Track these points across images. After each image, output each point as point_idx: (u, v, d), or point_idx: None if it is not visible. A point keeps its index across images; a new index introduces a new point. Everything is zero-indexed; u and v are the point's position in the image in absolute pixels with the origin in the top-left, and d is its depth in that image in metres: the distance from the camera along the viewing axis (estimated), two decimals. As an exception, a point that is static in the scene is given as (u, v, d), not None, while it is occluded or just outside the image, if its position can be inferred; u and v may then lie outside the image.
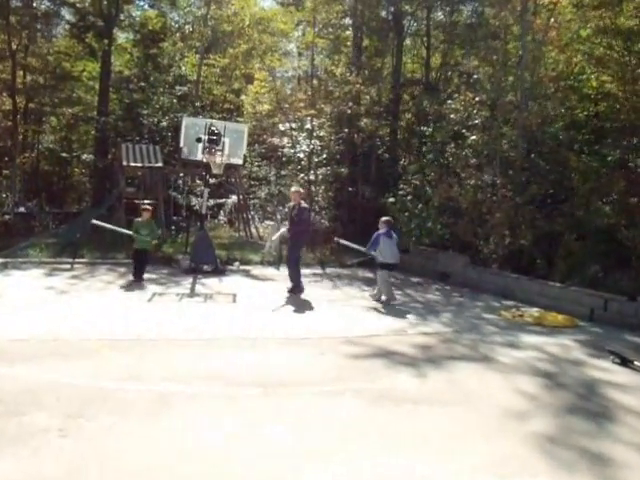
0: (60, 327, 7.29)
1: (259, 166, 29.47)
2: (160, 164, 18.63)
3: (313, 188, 20.22)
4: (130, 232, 11.43)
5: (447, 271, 14.12)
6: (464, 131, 14.36)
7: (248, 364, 6.15)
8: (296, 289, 10.88)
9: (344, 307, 9.97)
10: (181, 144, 12.47)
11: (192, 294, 10.33)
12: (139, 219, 11.62)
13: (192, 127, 12.49)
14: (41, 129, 29.21)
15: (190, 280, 11.77)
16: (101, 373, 5.49)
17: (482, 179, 14.13)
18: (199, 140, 12.22)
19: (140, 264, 11.34)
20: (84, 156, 27.10)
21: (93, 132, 26.05)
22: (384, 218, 10.87)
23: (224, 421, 4.55)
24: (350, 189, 19.58)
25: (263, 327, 7.96)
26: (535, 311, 10.53)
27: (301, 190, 12.75)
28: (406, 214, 15.10)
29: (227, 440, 4.21)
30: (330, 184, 20.77)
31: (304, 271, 13.34)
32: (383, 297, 10.46)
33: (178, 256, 13.85)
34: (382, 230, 10.50)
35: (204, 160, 12.46)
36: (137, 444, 4.03)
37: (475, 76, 15.26)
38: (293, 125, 20.82)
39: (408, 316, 9.56)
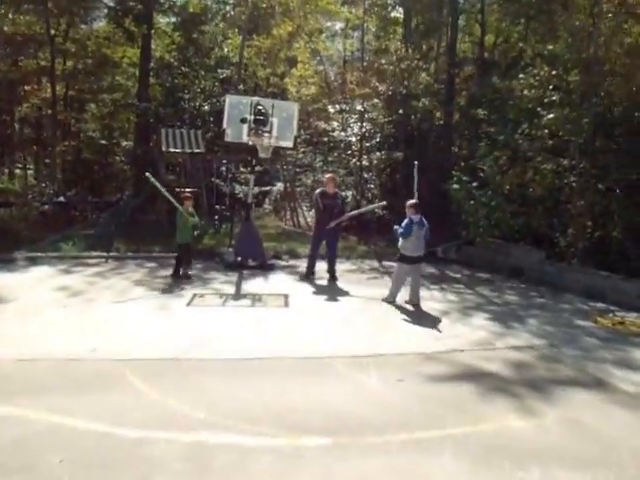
0: (77, 341, 6.12)
1: (304, 152, 28.24)
2: (201, 150, 17.49)
3: (365, 174, 18.78)
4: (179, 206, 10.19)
5: (520, 266, 12.56)
6: (539, 109, 12.68)
7: (309, 397, 4.85)
8: (308, 273, 10.88)
9: (412, 311, 8.57)
10: (224, 125, 11.17)
11: (237, 295, 9.04)
12: (182, 208, 10.28)
13: (236, 106, 11.17)
14: (82, 117, 28.46)
15: (235, 278, 10.55)
16: (121, 413, 4.25)
17: (561, 163, 12.46)
18: (244, 121, 10.91)
19: (187, 258, 10.28)
20: (124, 143, 26.12)
21: (134, 119, 25.17)
22: (412, 201, 9.24)
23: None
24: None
25: (323, 341, 6.64)
26: (636, 317, 9.03)
27: (336, 177, 11.61)
28: (472, 202, 13.55)
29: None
30: (382, 170, 19.27)
31: (358, 266, 12.09)
32: (388, 294, 9.16)
33: (221, 249, 12.65)
34: (414, 217, 8.97)
35: (250, 143, 11.16)
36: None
37: (549, 48, 13.48)
38: (343, 106, 19.35)
39: (488, 323, 8.13)
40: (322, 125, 23.42)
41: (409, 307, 8.86)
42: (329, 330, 7.18)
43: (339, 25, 30.06)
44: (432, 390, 5.20)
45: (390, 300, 9.02)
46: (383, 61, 17.88)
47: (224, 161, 22.56)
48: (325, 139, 25.34)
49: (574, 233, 12.22)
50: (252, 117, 11.02)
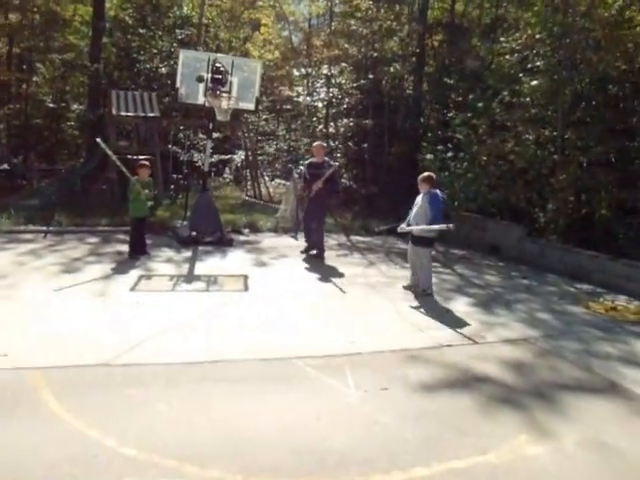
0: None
1: (267, 120, 27.01)
2: (156, 114, 16.11)
3: (332, 143, 17.68)
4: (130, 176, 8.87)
5: (498, 243, 11.76)
6: (521, 75, 11.75)
7: (274, 419, 3.83)
8: (321, 253, 9.85)
9: (389, 295, 7.61)
10: (177, 84, 9.94)
11: (190, 277, 7.88)
12: (135, 178, 8.93)
13: (192, 63, 9.96)
14: (29, 78, 26.46)
15: (189, 254, 9.44)
16: (18, 453, 3.16)
17: (543, 134, 11.60)
18: (200, 79, 9.72)
19: (141, 235, 9.13)
20: (74, 107, 24.36)
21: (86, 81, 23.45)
22: (426, 174, 8.05)
23: None
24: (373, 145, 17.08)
25: (289, 336, 5.61)
26: (626, 300, 8.33)
27: (325, 145, 10.49)
28: (446, 174, 12.65)
29: None
30: (350, 138, 18.20)
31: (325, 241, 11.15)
32: (421, 285, 7.88)
33: (175, 223, 11.48)
34: (437, 192, 7.80)
35: (206, 104, 9.97)
36: None
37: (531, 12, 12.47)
38: (309, 70, 18.13)
39: (473, 309, 7.26)
40: (286, 91, 22.19)
41: (388, 291, 7.90)
42: (296, 321, 6.14)
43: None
44: (425, 403, 4.26)
45: (429, 292, 7.81)
46: (352, 22, 16.63)
47: (182, 127, 21.21)
48: (289, 106, 24.16)
49: (555, 209, 11.42)
50: (209, 76, 9.85)
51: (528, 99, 11.75)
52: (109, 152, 8.86)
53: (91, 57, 22.12)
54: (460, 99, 18.08)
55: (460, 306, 7.37)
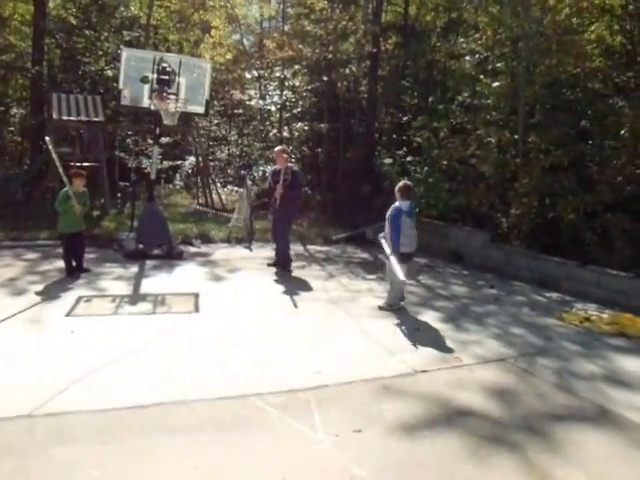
0: None
1: (218, 124, 26.21)
2: (101, 118, 15.20)
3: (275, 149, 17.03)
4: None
5: (460, 250, 11.37)
6: (482, 77, 11.40)
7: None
8: (287, 265, 9.32)
9: (352, 312, 7.06)
10: (120, 86, 9.19)
11: (135, 297, 7.13)
12: (67, 189, 7.98)
13: (136, 63, 9.23)
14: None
15: (135, 269, 8.70)
16: None
17: (505, 136, 11.26)
18: (145, 80, 9.00)
19: (77, 252, 8.25)
20: (14, 111, 23.11)
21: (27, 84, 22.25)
22: (403, 183, 7.52)
23: None
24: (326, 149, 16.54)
25: (245, 367, 4.96)
26: (597, 309, 8.01)
27: (287, 150, 9.90)
28: (406, 179, 12.18)
29: None
30: (305, 143, 17.63)
31: None
32: (385, 300, 7.42)
33: (121, 235, 10.68)
34: (403, 204, 7.29)
35: (152, 107, 9.24)
36: None
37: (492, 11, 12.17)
38: (261, 72, 17.50)
39: (443, 325, 6.77)
40: (238, 95, 21.49)
41: (350, 307, 7.34)
42: (253, 347, 5.49)
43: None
44: (406, 449, 3.69)
45: (395, 308, 7.27)
46: (306, 22, 16.06)
47: (129, 132, 20.30)
48: (241, 110, 23.44)
49: (519, 213, 11.09)
50: (155, 76, 9.15)
51: (489, 101, 11.39)
52: (54, 156, 8.06)
53: (33, 59, 20.98)
54: (415, 102, 17.86)
55: (429, 322, 6.87)
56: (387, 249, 7.22)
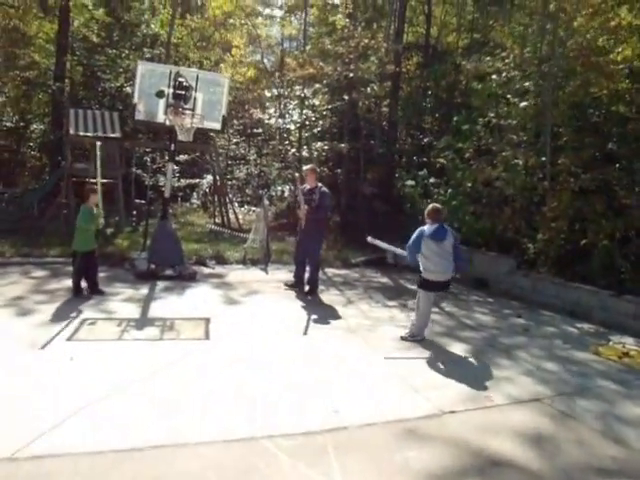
0: None
1: (237, 144, 26.03)
2: (117, 134, 15.00)
3: (304, 167, 16.72)
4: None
5: (485, 277, 10.88)
6: (509, 96, 10.99)
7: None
8: (314, 288, 9.08)
9: (372, 343, 6.61)
10: (135, 100, 8.92)
11: (142, 321, 6.72)
12: (86, 205, 7.75)
13: (151, 78, 8.96)
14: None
15: (146, 291, 8.32)
16: None
17: (531, 158, 10.80)
18: (161, 95, 8.71)
19: (90, 270, 7.92)
20: (33, 126, 23.13)
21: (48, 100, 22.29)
22: (432, 206, 7.08)
23: None
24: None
25: (256, 405, 4.48)
26: (636, 342, 7.54)
27: (317, 169, 9.59)
28: (428, 201, 11.77)
29: None
30: (324, 163, 17.26)
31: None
32: (408, 330, 6.98)
33: (133, 254, 10.35)
34: (427, 227, 6.85)
35: (167, 122, 8.95)
36: None
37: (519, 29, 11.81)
38: (281, 91, 17.23)
39: (472, 360, 6.29)
40: (257, 114, 21.25)
41: (370, 336, 6.88)
42: (265, 382, 5.03)
43: (278, 12, 27.78)
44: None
45: (418, 339, 6.83)
46: (327, 41, 15.79)
47: (147, 149, 20.13)
48: (260, 130, 23.21)
49: (546, 239, 10.58)
50: (171, 91, 8.86)
51: (515, 121, 10.95)
52: (98, 163, 7.96)
53: (55, 75, 21.06)
54: (436, 123, 17.48)
55: (455, 355, 6.40)
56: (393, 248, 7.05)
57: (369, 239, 7.98)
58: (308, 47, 19.23)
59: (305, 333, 6.81)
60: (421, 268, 6.85)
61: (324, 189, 8.92)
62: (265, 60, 27.69)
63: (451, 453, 3.93)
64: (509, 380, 5.65)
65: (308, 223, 8.78)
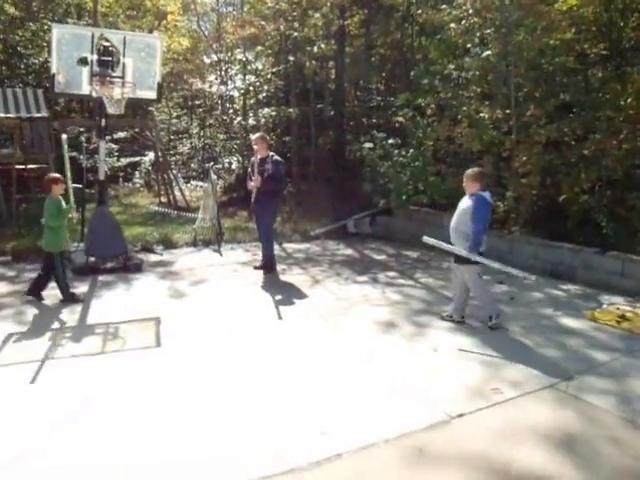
0: None
1: (179, 117, 24.70)
2: (44, 113, 13.60)
3: (251, 136, 15.69)
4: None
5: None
6: (469, 46, 10.16)
7: None
8: (271, 266, 8.40)
9: (349, 330, 5.80)
10: (53, 69, 7.73)
11: (80, 328, 5.70)
12: (51, 197, 6.55)
13: (70, 43, 7.77)
14: None
15: (85, 288, 7.27)
16: None
17: (496, 112, 10.05)
18: (84, 62, 7.58)
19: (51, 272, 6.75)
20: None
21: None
22: (477, 170, 6.28)
23: None
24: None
25: (227, 433, 3.62)
26: (627, 302, 7.02)
27: (267, 137, 8.64)
28: (389, 164, 10.98)
29: None
30: (272, 130, 16.24)
31: (253, 253, 9.41)
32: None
33: (70, 246, 9.21)
34: (484, 194, 6.03)
35: (93, 94, 7.80)
36: None
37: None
38: (221, 56, 16.02)
39: (460, 340, 5.57)
40: (198, 84, 19.93)
41: (345, 322, 6.07)
42: (231, 401, 4.12)
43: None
44: None
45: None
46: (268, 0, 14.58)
47: (82, 128, 18.62)
48: (202, 101, 21.95)
49: (516, 196, 9.92)
50: (95, 57, 7.70)
51: (478, 73, 10.16)
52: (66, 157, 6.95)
53: (-29, 52, 19.40)
54: (383, 82, 16.66)
55: (443, 336, 5.67)
56: (457, 250, 6.32)
57: (424, 238, 6.96)
58: (246, 8, 18.03)
59: (272, 329, 5.91)
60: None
61: (276, 157, 8.05)
62: (202, 26, 26.21)
63: (471, 478, 3.16)
64: (509, 362, 4.94)
65: (261, 194, 7.88)
